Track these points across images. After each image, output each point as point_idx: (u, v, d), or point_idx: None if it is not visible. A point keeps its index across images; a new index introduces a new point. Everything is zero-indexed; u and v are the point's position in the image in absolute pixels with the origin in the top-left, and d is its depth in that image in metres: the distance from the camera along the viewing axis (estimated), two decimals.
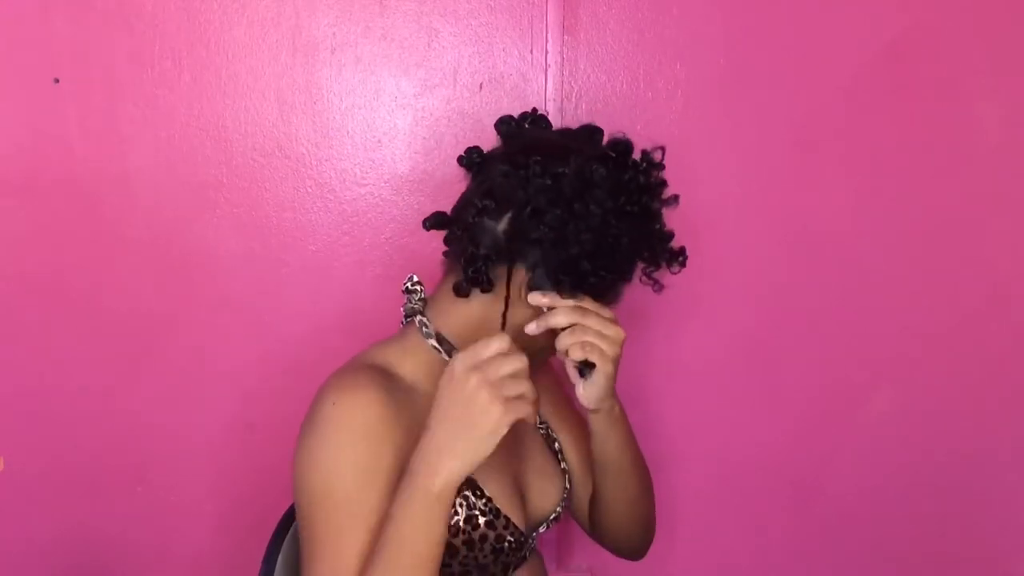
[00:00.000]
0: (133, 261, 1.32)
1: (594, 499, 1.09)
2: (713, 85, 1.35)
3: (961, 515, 1.52)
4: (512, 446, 1.00)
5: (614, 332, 0.89)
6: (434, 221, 0.95)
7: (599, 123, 0.97)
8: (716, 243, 1.38)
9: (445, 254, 0.97)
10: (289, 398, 1.31)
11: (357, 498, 0.85)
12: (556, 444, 1.08)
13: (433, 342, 0.94)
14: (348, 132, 1.32)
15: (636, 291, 0.96)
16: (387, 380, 0.90)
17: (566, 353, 0.89)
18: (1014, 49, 1.38)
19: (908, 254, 1.42)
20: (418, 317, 0.96)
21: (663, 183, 0.94)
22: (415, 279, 0.99)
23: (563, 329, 0.89)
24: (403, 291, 0.99)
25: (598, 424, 0.97)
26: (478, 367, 0.81)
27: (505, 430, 0.81)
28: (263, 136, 1.31)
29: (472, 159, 0.95)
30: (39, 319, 1.32)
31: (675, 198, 0.94)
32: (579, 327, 0.88)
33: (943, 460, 1.49)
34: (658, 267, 0.95)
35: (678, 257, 0.95)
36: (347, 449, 0.86)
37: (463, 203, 0.94)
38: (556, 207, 0.87)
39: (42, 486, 1.37)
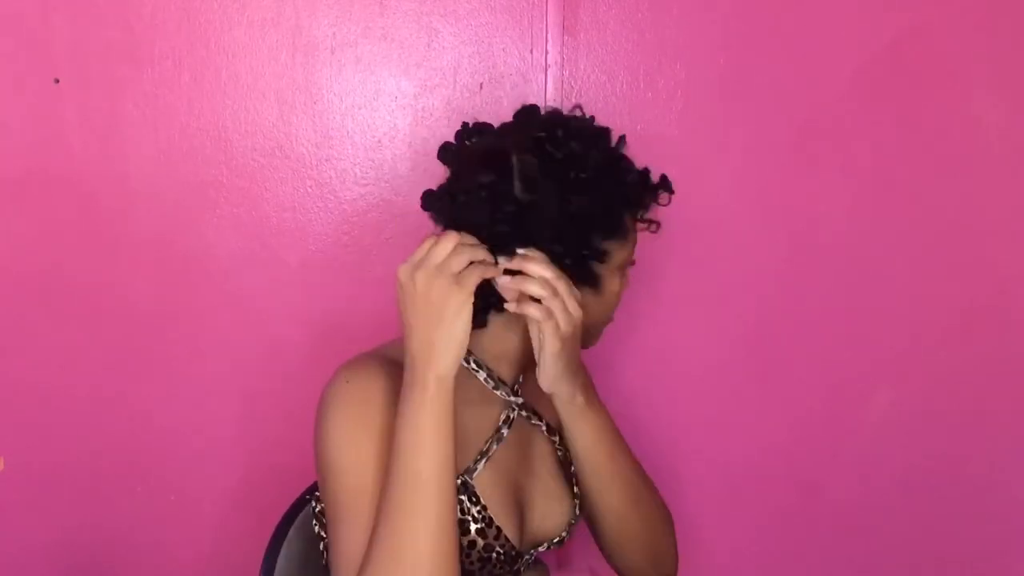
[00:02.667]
0: (133, 261, 1.32)
1: (583, 509, 1.04)
2: (713, 85, 1.35)
3: (961, 515, 1.51)
4: (522, 461, 1.00)
5: (575, 309, 0.88)
6: None
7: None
8: (716, 243, 1.38)
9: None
10: (289, 398, 1.32)
11: (379, 463, 0.86)
12: (572, 467, 1.03)
13: None
14: (348, 132, 1.32)
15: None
16: (397, 371, 0.91)
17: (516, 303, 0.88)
18: (1014, 49, 1.37)
19: (908, 254, 1.42)
20: None
21: (600, 134, 0.92)
22: None
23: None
24: None
25: (565, 415, 0.96)
26: (417, 267, 0.84)
27: (470, 302, 0.84)
28: (263, 136, 1.31)
29: (432, 203, 0.95)
30: (39, 319, 1.32)
31: (621, 138, 0.94)
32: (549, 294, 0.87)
33: (943, 460, 1.49)
34: (647, 210, 0.94)
35: (661, 189, 0.94)
36: (364, 419, 0.88)
37: None
38: (500, 212, 0.87)
39: (42, 486, 1.37)
